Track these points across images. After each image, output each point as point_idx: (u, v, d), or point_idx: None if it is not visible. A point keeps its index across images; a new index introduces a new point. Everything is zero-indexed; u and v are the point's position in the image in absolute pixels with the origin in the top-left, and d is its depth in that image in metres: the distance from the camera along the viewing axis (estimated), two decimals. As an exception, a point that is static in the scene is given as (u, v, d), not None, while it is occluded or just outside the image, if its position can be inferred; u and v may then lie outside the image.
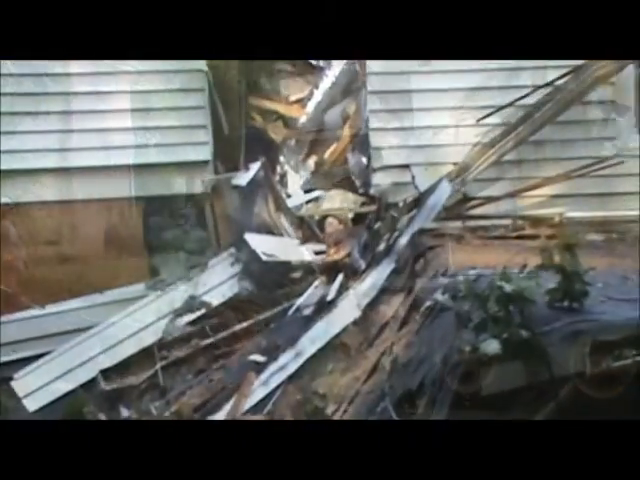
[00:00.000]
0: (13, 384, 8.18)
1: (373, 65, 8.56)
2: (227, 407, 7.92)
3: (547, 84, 8.24)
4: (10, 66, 8.19)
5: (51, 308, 8.36)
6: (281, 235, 9.10)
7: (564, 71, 8.35)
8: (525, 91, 8.24)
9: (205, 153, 8.51)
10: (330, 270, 8.44)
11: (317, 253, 8.86)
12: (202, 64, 8.51)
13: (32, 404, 8.03)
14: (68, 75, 8.16)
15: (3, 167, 8.40)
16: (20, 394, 8.14)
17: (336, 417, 7.68)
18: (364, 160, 9.26)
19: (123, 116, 8.28)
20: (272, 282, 8.53)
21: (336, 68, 9.84)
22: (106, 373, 8.35)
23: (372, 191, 8.96)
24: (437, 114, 8.55)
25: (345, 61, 9.89)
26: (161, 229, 8.78)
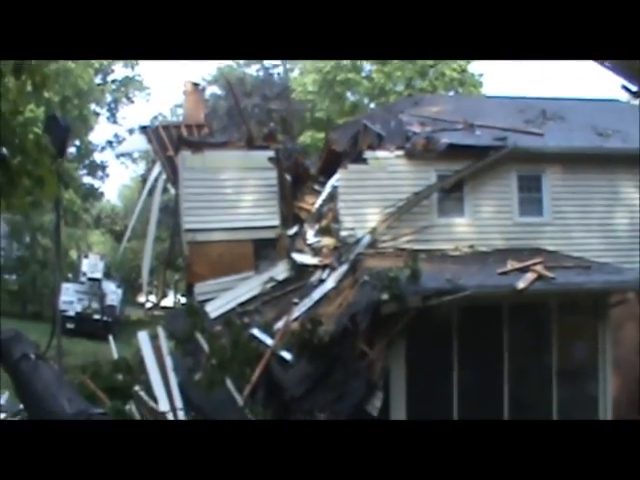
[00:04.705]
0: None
1: (341, 188, 16.19)
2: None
3: (417, 194, 16.60)
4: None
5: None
6: (306, 254, 15.37)
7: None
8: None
9: (276, 221, 16.53)
10: (324, 267, 14.64)
11: (320, 261, 14.86)
12: (274, 176, 16.56)
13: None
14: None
15: (191, 227, 16.52)
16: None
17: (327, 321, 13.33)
18: (337, 227, 15.55)
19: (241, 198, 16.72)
20: (303, 271, 15.00)
21: (327, 190, 16.54)
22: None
23: (340, 238, 15.23)
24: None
25: (331, 186, 16.61)
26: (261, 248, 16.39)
